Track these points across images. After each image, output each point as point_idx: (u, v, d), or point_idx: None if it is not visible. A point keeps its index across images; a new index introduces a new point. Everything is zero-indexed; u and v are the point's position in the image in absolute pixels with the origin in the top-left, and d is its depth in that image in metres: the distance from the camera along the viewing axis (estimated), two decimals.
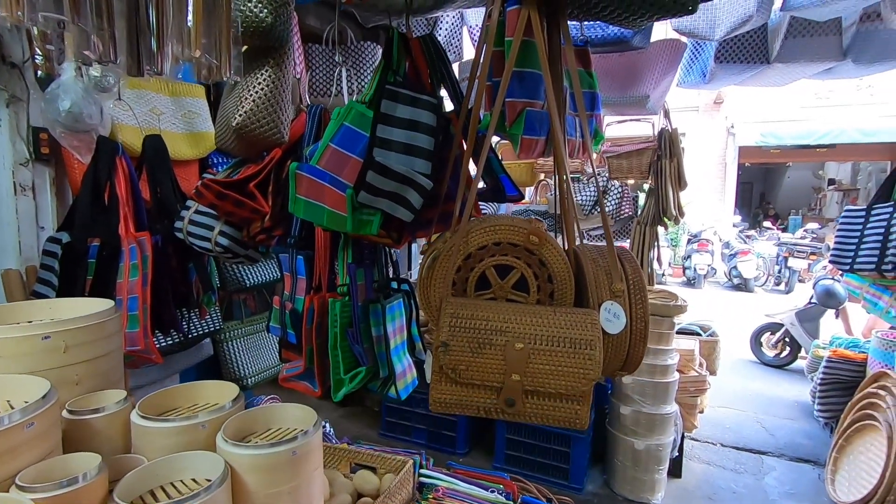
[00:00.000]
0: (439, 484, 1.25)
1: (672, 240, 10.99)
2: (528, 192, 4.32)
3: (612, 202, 3.06)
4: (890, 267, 2.38)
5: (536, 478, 2.92)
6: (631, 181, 3.33)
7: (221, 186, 1.26)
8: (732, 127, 11.01)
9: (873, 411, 2.78)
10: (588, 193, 3.05)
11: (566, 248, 0.92)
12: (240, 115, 1.28)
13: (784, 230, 12.51)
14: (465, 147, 0.98)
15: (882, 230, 2.52)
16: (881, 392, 2.74)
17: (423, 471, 1.30)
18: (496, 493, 1.23)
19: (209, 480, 0.78)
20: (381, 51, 2.48)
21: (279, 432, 0.93)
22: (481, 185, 1.08)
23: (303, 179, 0.98)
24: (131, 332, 1.41)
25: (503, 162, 3.74)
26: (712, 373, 3.26)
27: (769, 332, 5.16)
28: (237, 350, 2.43)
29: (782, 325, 4.98)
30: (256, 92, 1.29)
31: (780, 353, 5.09)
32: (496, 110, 0.88)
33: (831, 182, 15.26)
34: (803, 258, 9.00)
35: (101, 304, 1.09)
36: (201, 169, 2.30)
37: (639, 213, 3.20)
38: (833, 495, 2.79)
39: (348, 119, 0.99)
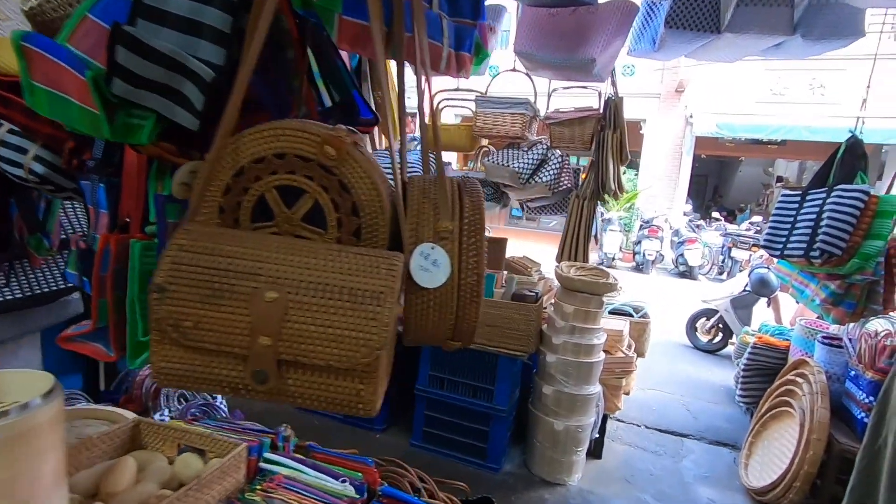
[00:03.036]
0: (280, 471, 1.04)
1: (625, 225, 11.13)
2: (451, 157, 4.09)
3: (551, 172, 2.88)
4: (817, 253, 2.31)
5: (454, 456, 2.80)
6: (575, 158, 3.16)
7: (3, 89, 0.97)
8: (691, 117, 11.13)
9: (790, 398, 2.78)
10: (527, 161, 2.86)
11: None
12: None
13: (732, 222, 12.89)
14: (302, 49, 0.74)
15: (814, 215, 2.46)
16: (799, 380, 2.75)
17: (268, 455, 1.09)
18: (347, 484, 1.04)
19: None
20: None
21: None
22: (327, 100, 0.84)
23: (34, 57, 0.71)
24: None
25: (440, 126, 3.46)
26: (640, 355, 3.21)
27: (704, 318, 5.24)
28: None
29: (717, 312, 5.05)
30: None
31: (713, 338, 5.18)
32: None
33: (779, 179, 15.84)
34: (746, 249, 9.27)
35: None
36: None
37: (579, 186, 3.04)
38: (745, 479, 2.80)
39: None
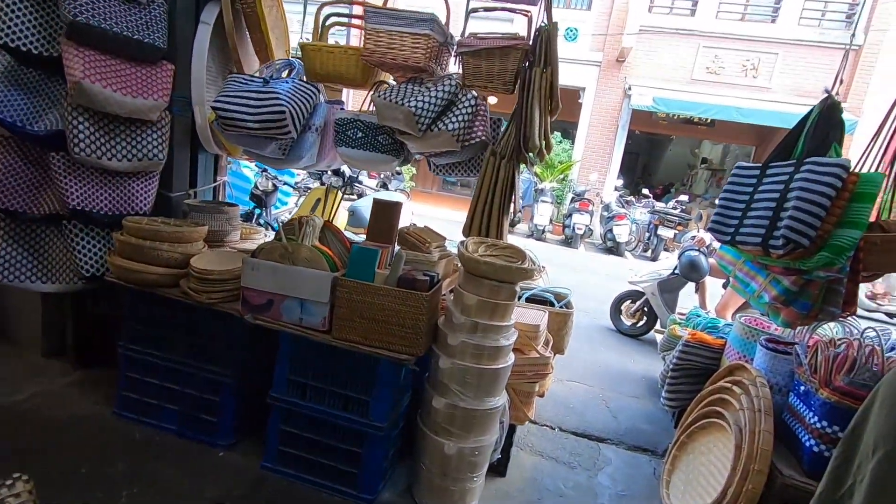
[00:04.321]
0: None
1: (557, 196, 10.80)
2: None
3: (460, 118, 2.18)
4: (780, 242, 1.81)
5: (317, 483, 2.14)
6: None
7: None
8: (630, 88, 10.83)
9: (722, 409, 2.36)
10: (429, 100, 2.13)
11: None
12: None
13: (660, 200, 13.00)
14: None
15: (777, 195, 1.95)
16: (735, 389, 2.32)
17: None
18: None
19: None
20: None
21: None
22: None
23: None
24: None
25: (324, 49, 2.52)
26: (559, 352, 2.68)
27: (630, 300, 4.90)
28: None
29: (643, 294, 4.71)
30: None
31: (637, 322, 4.86)
32: None
33: (704, 161, 16.27)
34: (671, 227, 9.23)
35: None
36: None
37: (497, 140, 2.37)
38: (665, 502, 2.39)
39: None
